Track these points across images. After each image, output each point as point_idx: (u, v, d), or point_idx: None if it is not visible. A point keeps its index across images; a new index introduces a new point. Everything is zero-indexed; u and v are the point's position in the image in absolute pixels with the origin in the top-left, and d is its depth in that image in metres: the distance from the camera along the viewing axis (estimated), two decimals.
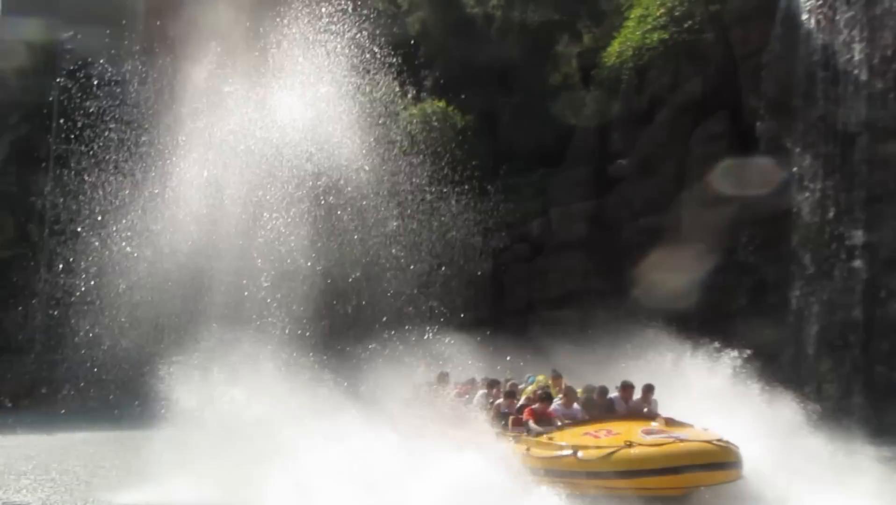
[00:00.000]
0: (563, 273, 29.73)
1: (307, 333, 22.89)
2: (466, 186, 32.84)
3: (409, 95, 36.87)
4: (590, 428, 11.39)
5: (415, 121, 34.71)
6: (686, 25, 27.91)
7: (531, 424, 11.92)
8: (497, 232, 32.74)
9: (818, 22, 24.20)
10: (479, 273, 32.20)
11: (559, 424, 11.87)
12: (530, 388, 14.49)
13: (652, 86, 29.14)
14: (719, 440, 10.26)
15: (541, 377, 15.15)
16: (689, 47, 27.79)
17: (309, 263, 24.88)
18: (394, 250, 28.26)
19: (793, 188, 24.02)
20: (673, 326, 25.83)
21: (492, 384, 14.57)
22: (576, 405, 12.47)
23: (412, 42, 38.55)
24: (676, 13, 28.27)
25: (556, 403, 12.60)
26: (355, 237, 26.97)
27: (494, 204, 33.00)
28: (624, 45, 30.12)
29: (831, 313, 22.56)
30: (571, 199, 30.47)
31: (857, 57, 23.25)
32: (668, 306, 26.34)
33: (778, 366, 22.60)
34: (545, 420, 11.97)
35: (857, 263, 22.11)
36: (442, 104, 35.20)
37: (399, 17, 38.75)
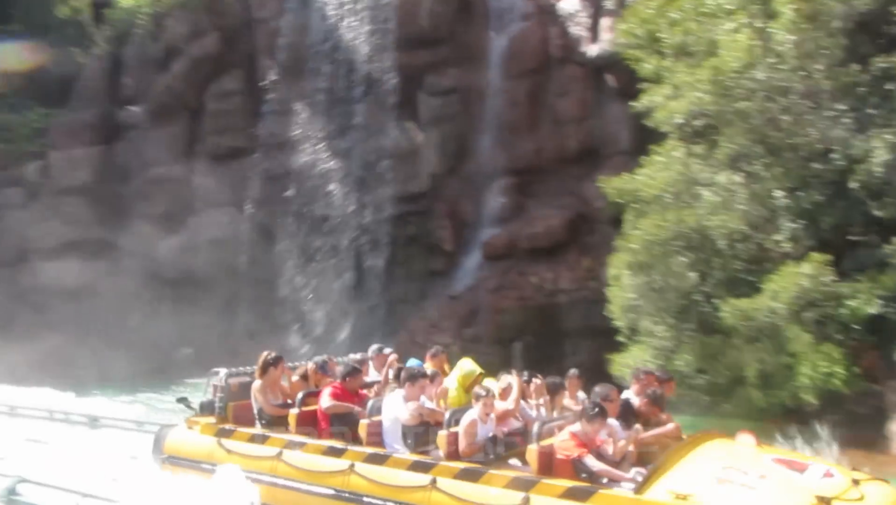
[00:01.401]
0: (64, 221, 27.02)
1: None
2: None
3: None
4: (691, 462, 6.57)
5: None
6: None
7: (590, 461, 6.61)
8: None
9: None
10: None
11: (614, 458, 6.85)
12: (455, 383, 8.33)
13: (168, 34, 27.89)
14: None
15: (466, 363, 8.58)
16: (208, 2, 27.17)
17: None
18: None
19: (298, 150, 25.16)
20: (184, 281, 25.47)
21: (416, 378, 7.83)
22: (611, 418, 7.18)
23: None
24: None
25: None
26: None
27: None
28: None
29: (323, 268, 24.36)
30: (75, 144, 27.74)
31: (357, 36, 25.15)
32: (177, 262, 25.80)
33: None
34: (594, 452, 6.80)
35: (351, 220, 24.14)
36: None
37: None
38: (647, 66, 15.59)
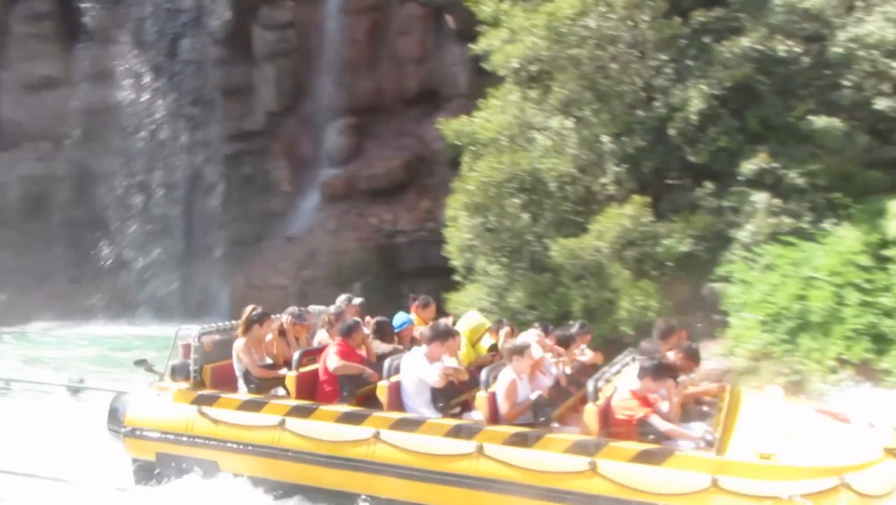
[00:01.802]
0: None
1: None
2: None
3: None
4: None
5: None
6: None
7: (657, 421, 6.13)
8: None
9: None
10: None
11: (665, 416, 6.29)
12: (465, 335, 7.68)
13: None
14: None
15: (474, 315, 8.43)
16: None
17: None
18: None
19: (121, 82, 23.76)
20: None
21: (445, 337, 7.04)
22: None
23: None
24: None
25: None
26: None
27: None
28: None
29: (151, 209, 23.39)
30: None
31: None
32: None
33: None
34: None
35: (182, 159, 23.21)
36: None
37: None
38: (486, 8, 15.81)
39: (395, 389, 6.90)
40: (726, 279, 12.79)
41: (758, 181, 13.37)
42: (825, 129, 13.21)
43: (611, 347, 13.91)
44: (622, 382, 6.46)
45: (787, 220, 12.78)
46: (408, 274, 19.55)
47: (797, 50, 13.90)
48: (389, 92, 23.08)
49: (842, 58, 13.43)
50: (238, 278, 20.81)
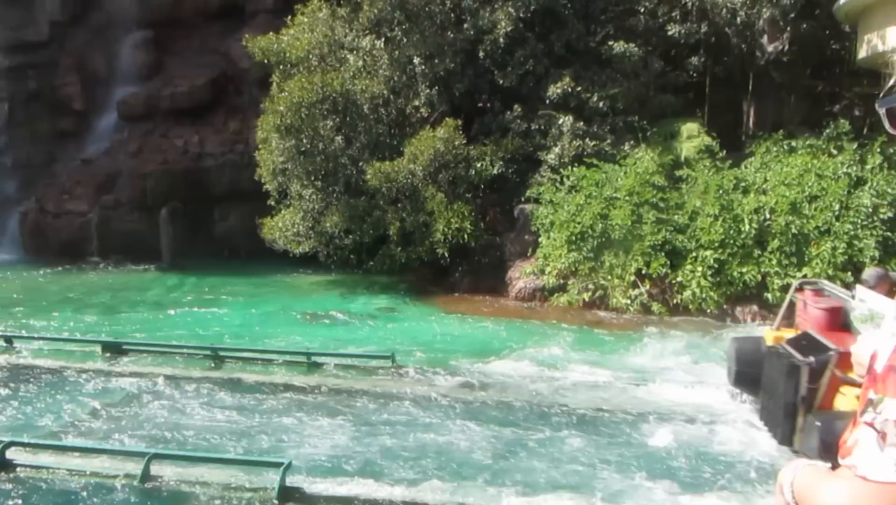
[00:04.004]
0: None
1: None
2: None
3: None
4: None
5: None
6: None
7: None
8: None
9: None
10: None
11: None
12: None
13: None
14: None
15: None
16: None
17: None
18: None
19: None
20: None
21: None
22: None
23: None
24: None
25: None
26: None
27: None
28: None
29: None
30: None
31: None
32: None
33: None
34: None
35: None
36: None
37: None
38: None
39: None
40: (536, 200, 12.62)
41: (563, 104, 13.20)
42: (623, 54, 13.17)
43: (427, 268, 13.51)
44: None
45: (590, 142, 12.74)
46: (218, 199, 17.91)
47: None
48: (190, 4, 20.66)
49: None
50: (30, 204, 18.25)
